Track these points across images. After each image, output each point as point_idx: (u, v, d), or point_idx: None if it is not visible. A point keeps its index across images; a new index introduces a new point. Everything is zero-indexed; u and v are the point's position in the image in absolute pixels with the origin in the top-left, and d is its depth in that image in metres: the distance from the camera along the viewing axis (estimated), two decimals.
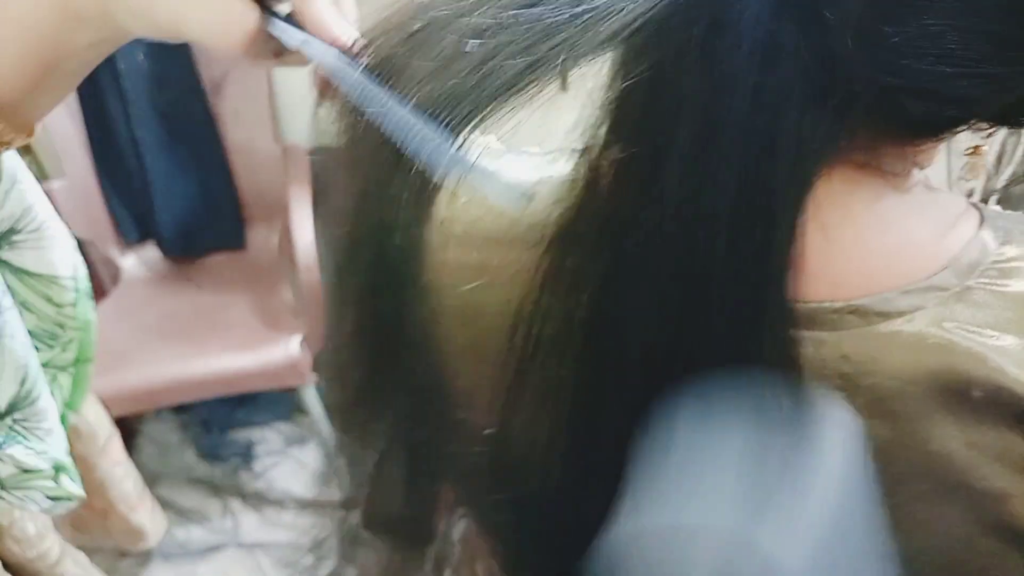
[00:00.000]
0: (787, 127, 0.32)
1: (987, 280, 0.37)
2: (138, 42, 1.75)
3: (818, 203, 0.35)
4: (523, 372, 0.38)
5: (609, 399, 0.38)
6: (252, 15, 0.38)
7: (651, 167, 0.34)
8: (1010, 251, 0.38)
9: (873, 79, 0.32)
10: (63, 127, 1.83)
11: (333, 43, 0.39)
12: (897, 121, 0.35)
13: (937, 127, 0.36)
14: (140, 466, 1.50)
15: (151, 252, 2.03)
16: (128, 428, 1.93)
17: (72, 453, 0.62)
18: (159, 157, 1.89)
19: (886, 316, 0.36)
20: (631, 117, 0.35)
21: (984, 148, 0.39)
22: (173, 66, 1.86)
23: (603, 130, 0.35)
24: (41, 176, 1.88)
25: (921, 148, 0.38)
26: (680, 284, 0.35)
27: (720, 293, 0.34)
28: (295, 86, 1.90)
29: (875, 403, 0.36)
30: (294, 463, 1.97)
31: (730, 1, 0.30)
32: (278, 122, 1.97)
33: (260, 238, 2.05)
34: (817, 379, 0.36)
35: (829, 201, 0.36)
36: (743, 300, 0.34)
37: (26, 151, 1.90)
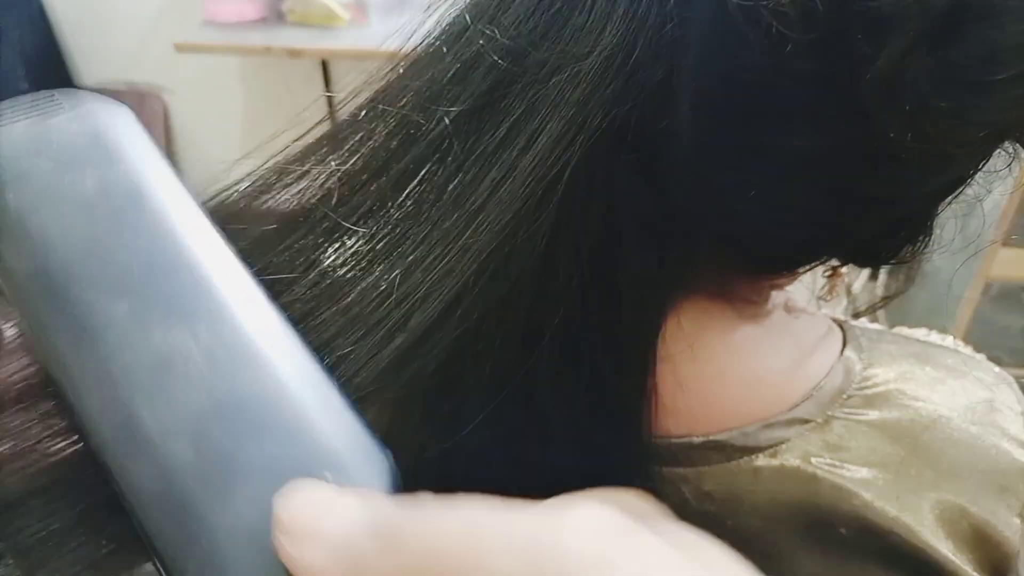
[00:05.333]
0: (628, 271, 0.31)
1: (850, 410, 0.36)
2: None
3: (671, 337, 0.33)
4: None
5: None
6: None
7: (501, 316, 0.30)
8: (875, 374, 0.37)
9: (708, 224, 0.31)
10: None
11: None
12: (743, 260, 0.34)
13: (784, 265, 0.35)
14: None
15: None
16: None
17: None
18: None
19: (748, 451, 0.35)
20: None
21: (843, 270, 0.38)
22: None
23: None
24: None
25: (775, 281, 0.37)
26: (530, 427, 0.32)
27: (572, 432, 0.32)
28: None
29: (741, 544, 0.34)
30: None
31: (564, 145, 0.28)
32: None
33: None
34: (680, 520, 0.35)
35: (682, 334, 0.35)
36: (597, 439, 0.33)
37: None
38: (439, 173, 0.30)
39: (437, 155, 0.30)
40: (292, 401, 0.22)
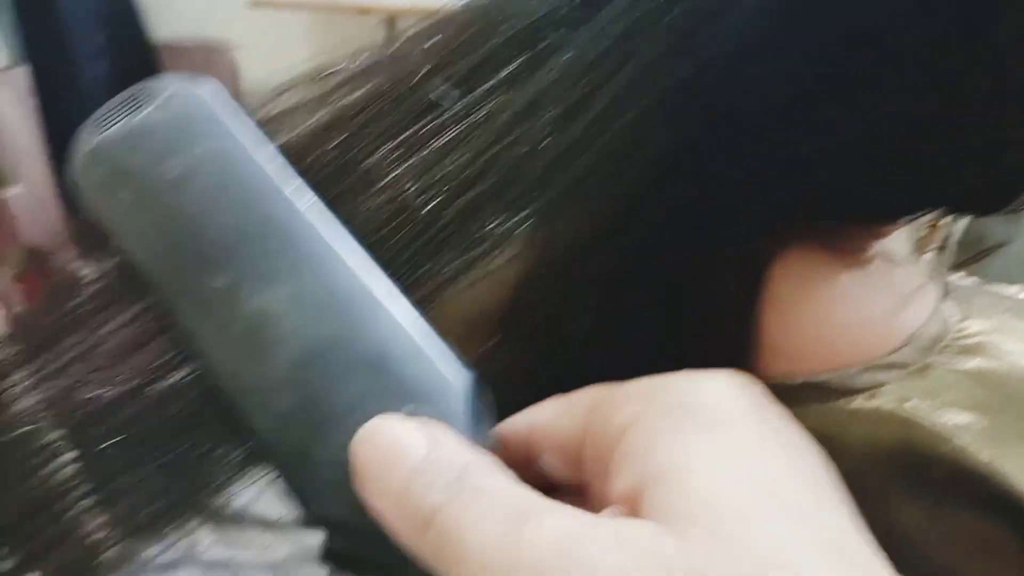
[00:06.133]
0: (722, 232, 0.32)
1: (948, 357, 0.37)
2: (104, 48, 1.74)
3: (774, 280, 0.34)
4: None
5: None
6: None
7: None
8: (971, 326, 0.38)
9: (813, 177, 0.32)
10: (19, 133, 1.79)
11: None
12: (849, 211, 0.35)
13: (891, 215, 0.35)
14: None
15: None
16: None
17: None
18: None
19: (846, 393, 0.36)
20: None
21: (941, 224, 0.39)
22: (139, 73, 1.82)
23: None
24: None
25: (879, 229, 0.37)
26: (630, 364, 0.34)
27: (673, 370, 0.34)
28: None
29: None
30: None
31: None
32: None
33: None
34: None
35: (785, 278, 0.35)
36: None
37: None
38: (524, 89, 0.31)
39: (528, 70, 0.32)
40: (371, 336, 0.24)
